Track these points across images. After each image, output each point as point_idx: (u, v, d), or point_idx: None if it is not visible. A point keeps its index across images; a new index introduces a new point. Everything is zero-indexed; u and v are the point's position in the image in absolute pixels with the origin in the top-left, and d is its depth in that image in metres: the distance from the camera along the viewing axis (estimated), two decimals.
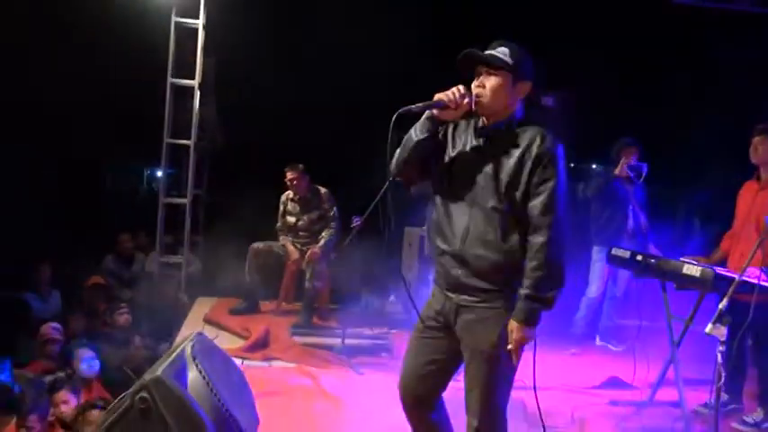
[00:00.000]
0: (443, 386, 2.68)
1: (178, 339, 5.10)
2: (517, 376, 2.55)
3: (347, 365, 4.80)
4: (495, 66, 2.51)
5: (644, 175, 5.28)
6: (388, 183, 2.71)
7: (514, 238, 2.45)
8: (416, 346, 2.71)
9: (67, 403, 4.61)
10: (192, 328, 5.49)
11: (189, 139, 7.26)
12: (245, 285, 6.16)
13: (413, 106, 2.58)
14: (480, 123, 2.59)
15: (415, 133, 2.63)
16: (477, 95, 2.53)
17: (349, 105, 9.12)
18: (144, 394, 2.62)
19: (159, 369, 2.69)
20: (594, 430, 3.93)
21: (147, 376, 2.67)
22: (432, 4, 8.61)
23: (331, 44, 8.36)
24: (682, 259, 3.91)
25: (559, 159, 2.46)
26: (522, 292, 2.39)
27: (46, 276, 7.37)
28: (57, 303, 7.32)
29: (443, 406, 2.72)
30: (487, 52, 2.54)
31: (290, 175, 6.13)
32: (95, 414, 4.22)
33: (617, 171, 5.37)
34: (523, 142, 2.47)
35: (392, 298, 6.67)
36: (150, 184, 28.92)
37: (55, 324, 5.74)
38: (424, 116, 2.61)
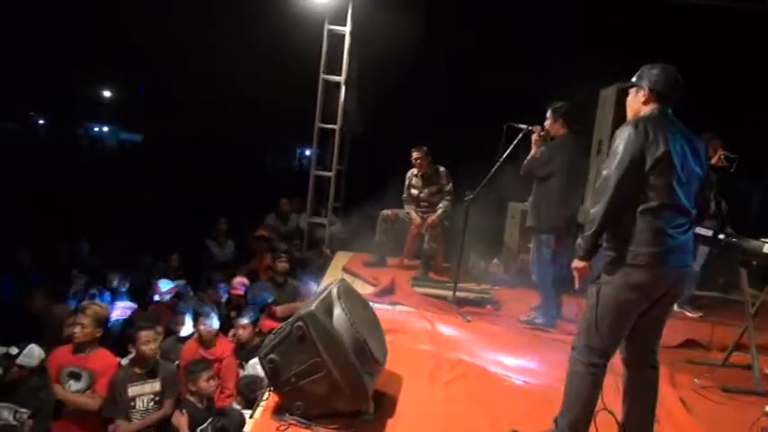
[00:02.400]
0: None
1: (323, 283, 5.29)
2: None
3: (457, 313, 4.79)
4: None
5: (736, 164, 4.89)
6: (495, 166, 2.74)
7: None
8: None
9: (245, 328, 5.02)
10: (332, 275, 5.65)
11: (335, 124, 7.44)
12: (375, 244, 6.28)
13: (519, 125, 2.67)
14: None
15: None
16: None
17: (467, 100, 9.05)
18: (300, 324, 2.75)
19: (313, 305, 2.81)
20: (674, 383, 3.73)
21: (303, 310, 2.79)
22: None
23: (451, 56, 8.35)
24: (762, 240, 3.62)
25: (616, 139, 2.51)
26: None
27: (224, 229, 7.79)
28: (231, 250, 7.73)
29: None
30: None
31: (415, 155, 6.16)
32: None
33: (713, 161, 4.97)
34: None
35: (495, 261, 6.58)
36: (300, 160, 29.97)
37: (242, 279, 6.08)
38: None
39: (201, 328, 4.84)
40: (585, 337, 2.56)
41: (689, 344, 4.46)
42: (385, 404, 3.02)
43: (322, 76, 7.36)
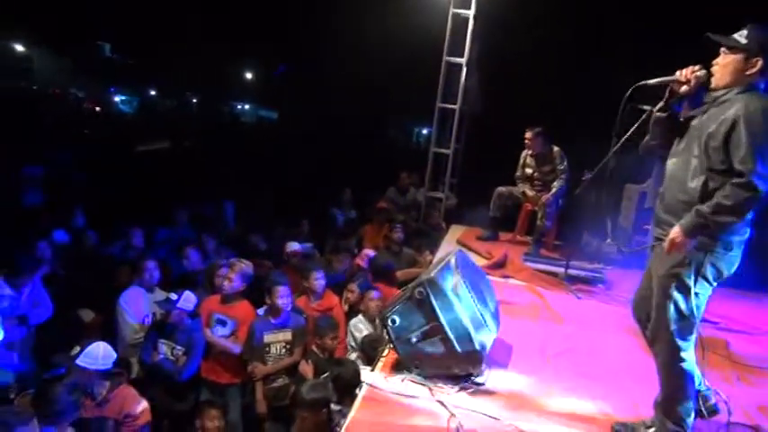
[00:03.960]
0: None
1: (440, 253, 5.30)
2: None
3: (568, 290, 4.63)
4: (728, 46, 2.22)
5: None
6: (614, 147, 2.58)
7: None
8: None
9: (353, 292, 5.12)
10: (447, 247, 5.64)
11: (455, 104, 7.35)
12: (489, 219, 6.18)
13: (649, 81, 2.38)
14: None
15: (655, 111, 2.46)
16: (712, 73, 2.25)
17: (587, 81, 8.59)
18: (421, 289, 2.78)
19: (433, 272, 2.82)
20: None
21: (424, 276, 2.82)
22: None
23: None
24: None
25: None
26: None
27: (348, 199, 8.02)
28: (354, 218, 7.95)
29: None
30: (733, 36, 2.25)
31: (528, 135, 5.95)
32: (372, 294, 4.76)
33: None
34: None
35: (609, 240, 6.24)
36: (418, 138, 30.06)
37: (369, 252, 6.09)
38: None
39: (314, 282, 5.05)
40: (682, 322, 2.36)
41: None
42: (496, 371, 3.00)
43: (445, 58, 7.27)
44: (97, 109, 26.72)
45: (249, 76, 37.94)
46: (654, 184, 4.42)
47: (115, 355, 3.86)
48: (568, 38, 8.83)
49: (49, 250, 5.50)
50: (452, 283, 2.88)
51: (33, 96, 26.38)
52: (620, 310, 4.27)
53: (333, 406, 3.78)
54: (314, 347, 4.66)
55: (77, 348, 3.71)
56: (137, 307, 4.75)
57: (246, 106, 37.05)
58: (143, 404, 3.90)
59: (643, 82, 2.45)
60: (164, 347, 4.51)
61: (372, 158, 12.84)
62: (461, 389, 2.76)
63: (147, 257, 5.07)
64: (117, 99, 33.11)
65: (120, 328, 4.73)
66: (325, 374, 4.51)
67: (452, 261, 3.00)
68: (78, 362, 3.68)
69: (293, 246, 6.03)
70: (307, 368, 4.53)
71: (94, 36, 36.67)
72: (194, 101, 34.55)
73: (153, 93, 36.00)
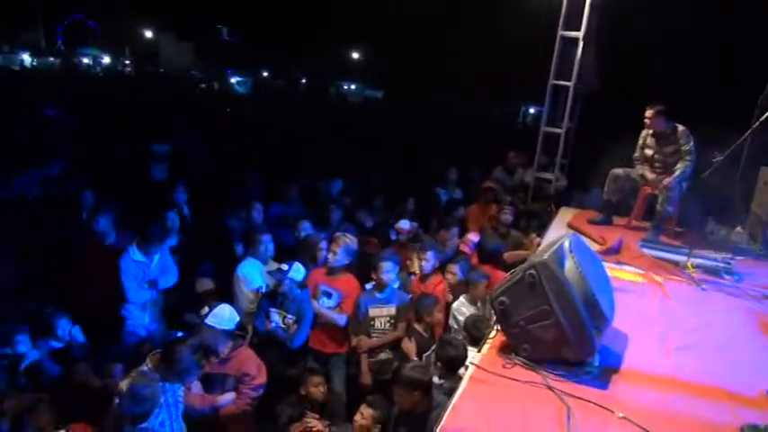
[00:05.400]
0: None
1: (549, 237, 5.12)
2: None
3: (690, 280, 4.30)
4: None
5: None
6: (754, 125, 2.32)
7: None
8: None
9: (454, 274, 5.19)
10: (556, 230, 5.43)
11: (569, 81, 6.99)
12: (602, 202, 5.87)
13: None
14: None
15: None
16: None
17: (712, 57, 7.86)
18: (532, 272, 2.69)
19: (545, 255, 2.72)
20: None
21: (536, 259, 2.72)
22: None
23: None
24: None
25: None
26: None
27: (453, 178, 7.95)
28: (459, 197, 7.88)
29: None
30: None
31: (649, 113, 5.53)
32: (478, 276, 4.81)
33: None
34: None
35: (738, 228, 5.72)
36: (524, 117, 29.14)
37: (473, 237, 6.12)
38: None
39: (423, 264, 5.08)
40: None
41: None
42: (610, 360, 2.86)
43: (560, 32, 6.92)
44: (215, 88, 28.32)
45: (356, 55, 38.54)
46: None
47: (238, 318, 4.14)
48: (697, 6, 8.10)
49: (176, 221, 5.94)
50: (566, 266, 2.76)
51: (160, 78, 28.46)
52: (752, 306, 3.92)
53: (435, 380, 3.81)
54: (416, 325, 4.72)
55: (206, 309, 4.00)
56: (252, 277, 5.03)
57: (353, 86, 37.70)
58: (260, 366, 4.16)
59: None
60: (276, 316, 4.75)
61: (477, 137, 12.61)
62: (572, 376, 2.66)
63: (262, 231, 5.34)
64: (233, 80, 34.91)
65: (237, 296, 5.04)
66: (427, 353, 4.56)
67: (566, 244, 2.87)
68: (207, 321, 3.97)
69: (402, 223, 6.09)
70: (410, 346, 4.60)
71: (214, 20, 38.84)
72: (303, 81, 35.66)
73: (265, 74, 37.59)
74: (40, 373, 4.35)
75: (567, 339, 2.66)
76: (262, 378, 4.20)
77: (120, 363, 4.06)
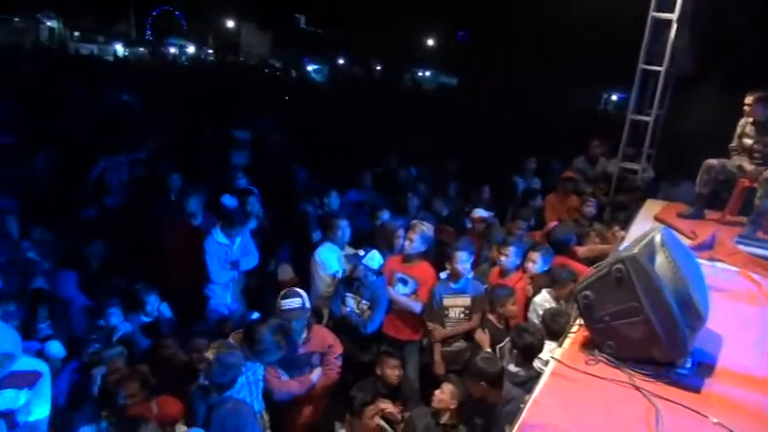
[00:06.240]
0: None
1: (634, 230, 4.89)
2: None
3: None
4: None
5: None
6: None
7: None
8: None
9: (535, 262, 5.01)
10: (642, 223, 5.17)
11: (660, 65, 6.60)
12: (695, 194, 5.53)
13: None
14: None
15: None
16: None
17: None
18: (620, 266, 2.57)
19: (635, 249, 2.60)
20: None
21: (625, 253, 2.61)
22: None
23: None
24: None
25: None
26: None
27: (532, 167, 7.76)
28: (537, 185, 7.69)
29: None
30: None
31: (749, 99, 5.15)
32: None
33: None
34: None
35: None
36: (605, 104, 27.91)
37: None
38: None
39: (503, 258, 4.95)
40: None
41: None
42: (703, 362, 2.70)
43: (652, 13, 6.52)
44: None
45: (430, 42, 38.24)
46: None
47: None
48: None
49: (257, 205, 6.14)
50: (657, 262, 2.62)
51: (240, 67, 29.40)
52: None
53: (511, 368, 3.75)
54: (489, 316, 4.65)
55: (283, 293, 4.12)
56: (329, 262, 5.12)
57: (427, 73, 37.47)
58: (335, 337, 4.33)
59: None
60: (351, 301, 4.82)
61: (557, 125, 12.21)
62: (662, 378, 2.53)
63: (339, 216, 5.42)
64: (309, 68, 35.55)
65: (315, 281, 5.15)
66: (501, 345, 4.49)
67: (657, 238, 2.72)
68: (285, 306, 4.10)
69: (478, 212, 6.01)
70: (483, 337, 4.55)
71: (292, 9, 39.64)
72: (378, 68, 35.80)
73: (341, 61, 38.03)
74: (131, 345, 4.64)
75: (658, 338, 2.53)
76: (340, 348, 4.42)
77: (205, 339, 4.25)
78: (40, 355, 4.01)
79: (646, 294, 2.52)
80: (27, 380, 3.20)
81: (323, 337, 4.28)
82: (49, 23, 35.35)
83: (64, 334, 4.67)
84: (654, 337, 2.53)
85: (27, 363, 3.21)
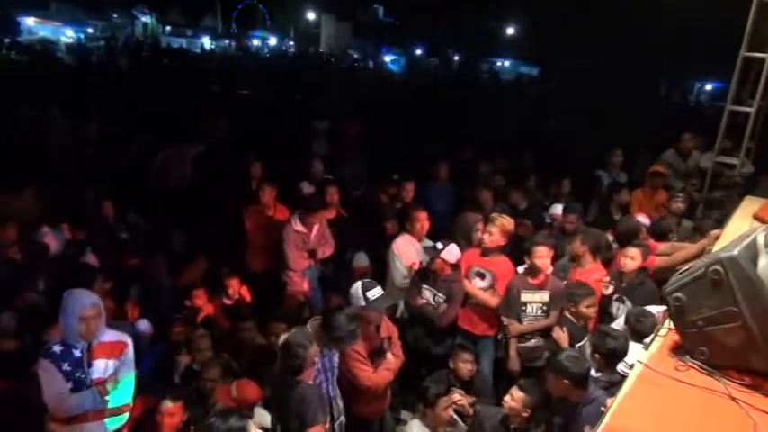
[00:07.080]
0: None
1: (730, 229, 4.57)
2: None
3: None
4: None
5: None
6: None
7: None
8: None
9: (634, 259, 4.72)
10: (739, 222, 4.80)
11: (765, 52, 6.10)
12: None
13: None
14: None
15: None
16: None
17: None
18: (718, 268, 2.40)
19: (735, 250, 2.42)
20: None
21: (723, 254, 2.43)
22: None
23: None
24: None
25: None
26: None
27: (618, 161, 7.44)
28: (623, 180, 7.35)
29: None
30: None
31: None
32: None
33: None
34: None
35: None
36: (698, 95, 26.29)
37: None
38: None
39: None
40: None
41: None
42: None
43: None
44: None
45: (510, 31, 37.36)
46: None
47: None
48: None
49: (336, 195, 6.24)
50: (760, 264, 2.43)
51: (319, 58, 29.91)
52: None
53: (592, 372, 3.62)
54: (567, 314, 4.51)
55: (362, 285, 4.15)
56: (407, 254, 5.13)
57: (506, 63, 36.65)
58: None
59: None
60: (427, 293, 4.81)
61: (645, 116, 11.61)
62: (761, 389, 2.35)
63: (418, 208, 5.41)
64: (387, 59, 35.64)
65: (392, 271, 5.18)
66: (580, 344, 4.35)
67: (761, 239, 2.52)
68: (369, 295, 4.12)
69: (556, 208, 5.82)
70: (561, 335, 4.42)
71: (371, 0, 39.88)
72: (456, 58, 35.38)
73: (418, 52, 37.89)
74: (213, 327, 4.85)
75: (757, 346, 2.35)
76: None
77: (283, 324, 4.37)
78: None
79: (746, 299, 2.35)
80: (114, 350, 3.51)
81: (387, 323, 4.28)
82: (143, 19, 37.40)
83: (153, 313, 4.96)
84: (753, 344, 2.36)
85: (113, 334, 3.56)
